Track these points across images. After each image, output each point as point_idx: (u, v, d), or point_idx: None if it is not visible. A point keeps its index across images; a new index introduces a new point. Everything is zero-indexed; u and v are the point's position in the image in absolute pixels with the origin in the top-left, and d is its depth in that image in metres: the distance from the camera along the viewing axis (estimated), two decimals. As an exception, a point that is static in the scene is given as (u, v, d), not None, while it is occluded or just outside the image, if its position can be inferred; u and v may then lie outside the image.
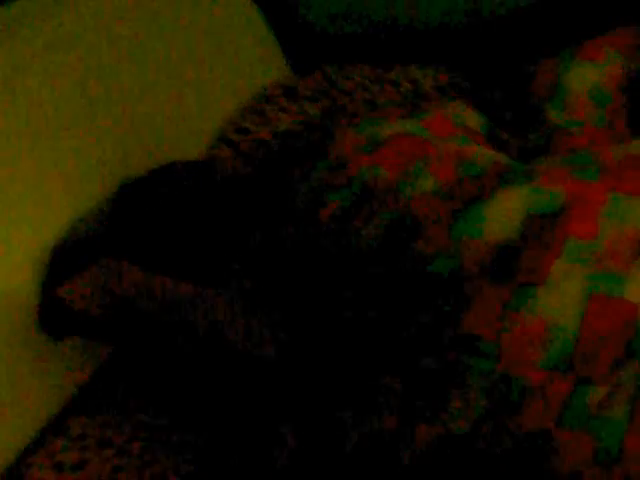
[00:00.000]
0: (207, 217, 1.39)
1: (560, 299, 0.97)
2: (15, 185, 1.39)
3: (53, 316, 1.28)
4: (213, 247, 1.36)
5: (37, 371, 1.30)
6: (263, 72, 1.92)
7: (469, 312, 1.00)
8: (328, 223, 1.20)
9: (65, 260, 1.38)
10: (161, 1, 1.73)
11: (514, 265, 1.01)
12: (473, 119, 1.39)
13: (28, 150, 1.43)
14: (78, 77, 1.56)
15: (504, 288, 1.00)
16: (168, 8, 1.73)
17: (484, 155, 1.26)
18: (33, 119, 1.45)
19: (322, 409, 1.06)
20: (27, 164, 1.42)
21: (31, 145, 1.44)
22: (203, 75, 1.80)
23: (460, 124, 1.36)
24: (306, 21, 1.98)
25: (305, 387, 1.09)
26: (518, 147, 1.33)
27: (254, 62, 1.91)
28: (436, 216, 1.09)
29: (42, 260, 1.39)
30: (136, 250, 1.41)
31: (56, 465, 1.20)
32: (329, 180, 1.26)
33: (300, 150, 1.64)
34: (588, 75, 1.35)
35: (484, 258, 1.03)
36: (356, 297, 1.10)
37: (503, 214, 1.05)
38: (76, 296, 1.25)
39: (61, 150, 1.48)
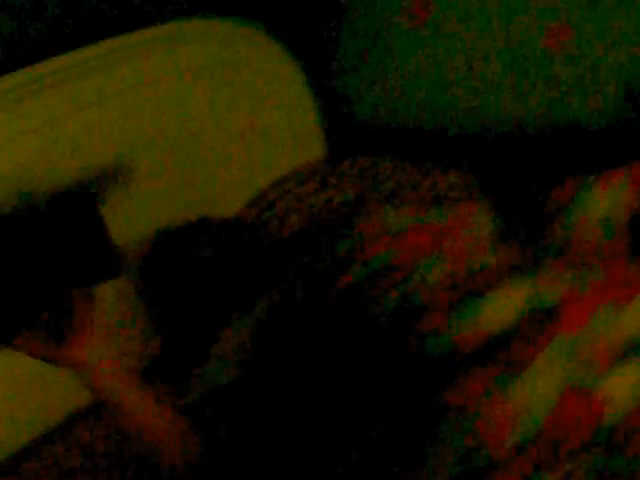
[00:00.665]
0: (231, 271, 1.49)
1: (536, 389, 1.07)
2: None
3: None
4: (232, 296, 1.46)
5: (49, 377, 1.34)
6: (303, 151, 2.04)
7: (455, 388, 1.10)
8: (343, 292, 1.32)
9: None
10: (226, 76, 1.83)
11: (503, 352, 1.11)
12: (489, 221, 1.51)
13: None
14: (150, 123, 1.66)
15: (489, 371, 1.10)
16: (227, 83, 1.84)
17: (493, 254, 1.38)
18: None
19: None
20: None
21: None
22: (250, 144, 1.90)
23: (476, 223, 1.48)
24: (351, 112, 2.10)
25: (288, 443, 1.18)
26: (525, 251, 1.44)
27: (297, 140, 2.02)
28: (440, 303, 1.21)
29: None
30: (164, 291, 1.51)
31: (54, 465, 1.28)
32: (350, 255, 1.39)
33: (327, 225, 1.76)
34: (602, 205, 1.45)
35: (477, 343, 1.14)
36: (355, 360, 1.21)
37: (501, 307, 1.16)
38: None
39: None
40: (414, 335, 1.19)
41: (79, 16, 1.61)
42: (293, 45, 1.99)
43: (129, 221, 1.57)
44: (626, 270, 1.22)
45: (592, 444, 1.02)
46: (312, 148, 2.05)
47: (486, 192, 1.71)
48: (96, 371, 1.09)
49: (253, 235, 1.68)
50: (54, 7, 1.56)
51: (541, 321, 1.13)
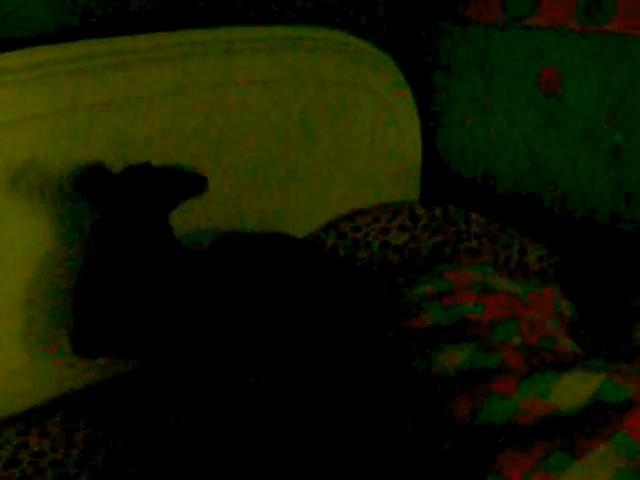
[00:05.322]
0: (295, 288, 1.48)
1: (588, 478, 1.07)
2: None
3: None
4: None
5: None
6: (398, 188, 2.04)
7: (506, 455, 1.10)
8: (417, 330, 1.33)
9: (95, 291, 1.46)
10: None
11: (564, 432, 1.11)
12: (567, 309, 1.52)
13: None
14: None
15: (546, 447, 1.10)
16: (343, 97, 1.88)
17: (566, 341, 1.39)
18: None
19: None
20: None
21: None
22: (348, 166, 1.93)
23: (556, 307, 1.49)
24: (444, 162, 2.12)
25: None
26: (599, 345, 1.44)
27: (395, 175, 2.03)
28: (516, 366, 1.22)
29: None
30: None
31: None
32: (433, 295, 1.40)
33: (405, 265, 1.77)
34: None
35: (539, 417, 1.14)
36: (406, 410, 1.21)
37: (575, 388, 1.16)
38: None
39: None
40: (473, 397, 1.19)
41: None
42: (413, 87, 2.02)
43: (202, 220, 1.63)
44: None
45: None
46: (407, 186, 2.05)
47: (568, 276, 1.72)
48: None
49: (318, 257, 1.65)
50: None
51: (608, 413, 1.12)
